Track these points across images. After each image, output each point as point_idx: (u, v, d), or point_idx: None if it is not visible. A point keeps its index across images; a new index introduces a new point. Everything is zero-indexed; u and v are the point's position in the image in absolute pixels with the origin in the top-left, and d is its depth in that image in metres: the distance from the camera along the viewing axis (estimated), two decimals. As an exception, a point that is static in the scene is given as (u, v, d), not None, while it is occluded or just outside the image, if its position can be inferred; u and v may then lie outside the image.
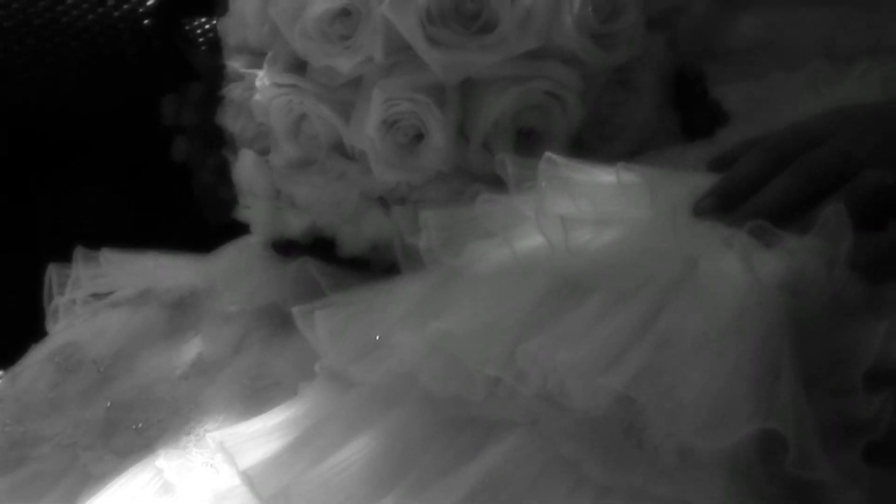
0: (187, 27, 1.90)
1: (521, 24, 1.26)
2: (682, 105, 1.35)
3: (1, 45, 2.05)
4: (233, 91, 1.35)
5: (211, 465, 1.28)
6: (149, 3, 1.95)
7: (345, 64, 1.28)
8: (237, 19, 1.36)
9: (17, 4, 2.09)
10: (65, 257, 1.46)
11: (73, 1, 2.06)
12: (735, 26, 1.45)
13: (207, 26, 1.84)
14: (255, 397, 1.34)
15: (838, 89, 1.39)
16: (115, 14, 2.03)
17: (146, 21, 1.98)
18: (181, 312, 1.42)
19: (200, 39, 1.83)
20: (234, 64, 1.35)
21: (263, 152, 1.34)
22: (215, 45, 1.37)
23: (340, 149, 1.31)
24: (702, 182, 1.22)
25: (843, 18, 1.45)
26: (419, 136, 1.28)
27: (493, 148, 1.27)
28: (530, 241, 1.19)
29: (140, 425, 1.34)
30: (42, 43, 2.01)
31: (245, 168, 1.35)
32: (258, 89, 1.32)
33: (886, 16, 1.46)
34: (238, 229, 1.42)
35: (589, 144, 1.30)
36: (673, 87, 1.34)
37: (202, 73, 1.37)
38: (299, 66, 1.31)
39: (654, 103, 1.33)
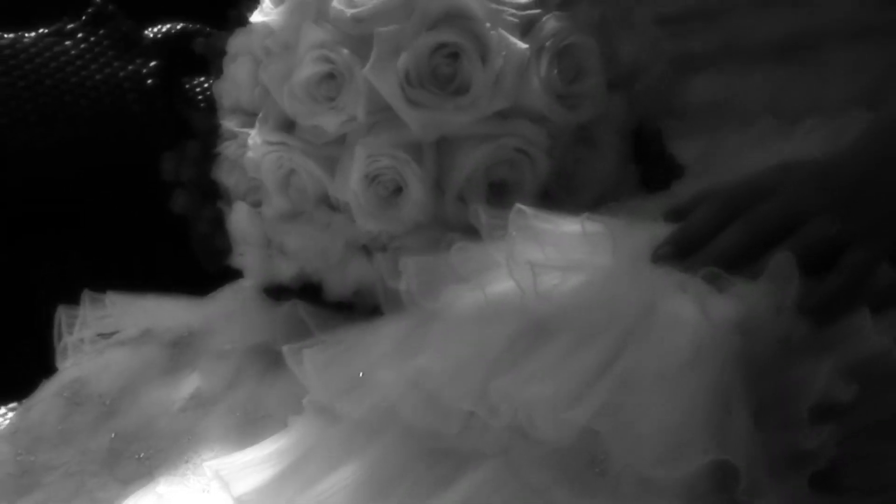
0: (187, 86, 1.90)
1: (492, 86, 1.27)
2: (640, 160, 1.35)
3: (17, 103, 2.04)
4: (227, 148, 1.35)
5: (207, 491, 1.27)
6: (152, 64, 1.95)
7: (330, 123, 1.28)
8: (231, 82, 1.36)
9: (30, 66, 2.09)
10: (73, 299, 1.44)
11: (82, 62, 2.06)
12: (689, 87, 1.45)
13: (206, 85, 1.84)
14: (248, 429, 1.33)
15: (785, 145, 1.38)
16: (121, 74, 2.03)
17: (150, 81, 1.98)
18: (180, 351, 1.41)
19: (199, 98, 1.82)
20: (229, 123, 1.35)
21: (256, 204, 1.34)
22: (212, 104, 1.37)
23: (326, 201, 1.31)
24: (659, 232, 1.23)
25: (788, 79, 1.45)
26: (399, 190, 1.28)
27: (467, 200, 1.28)
28: (502, 285, 1.19)
29: (142, 455, 1.34)
30: (54, 101, 2.01)
31: (239, 219, 1.35)
32: (250, 147, 1.32)
33: (829, 75, 1.46)
34: (233, 274, 1.42)
35: (555, 196, 1.30)
36: (632, 144, 1.34)
37: (199, 132, 1.37)
38: (288, 126, 1.31)
39: (615, 158, 1.33)
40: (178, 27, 2.04)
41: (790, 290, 1.14)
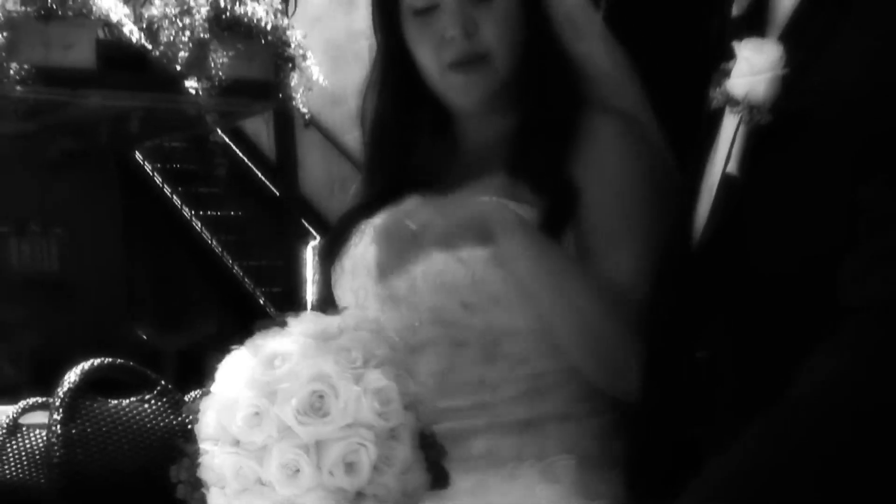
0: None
1: (342, 411, 1.28)
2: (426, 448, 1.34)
3: (117, 438, 2.10)
4: (206, 459, 1.34)
5: None
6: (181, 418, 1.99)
7: (258, 438, 1.30)
8: (204, 422, 1.33)
9: (126, 418, 2.14)
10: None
11: (153, 416, 2.11)
12: (472, 445, 1.48)
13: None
14: None
15: (519, 471, 1.44)
16: (174, 422, 2.07)
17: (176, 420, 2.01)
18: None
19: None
20: (204, 445, 1.34)
21: (222, 487, 1.33)
22: (194, 435, 1.36)
23: (260, 481, 1.31)
24: None
25: (527, 441, 1.47)
26: (298, 470, 1.28)
27: (334, 473, 1.28)
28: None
29: None
30: (136, 437, 2.04)
31: (213, 495, 1.34)
32: (217, 455, 1.32)
33: (549, 441, 1.47)
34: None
35: (381, 471, 1.29)
36: (420, 442, 1.33)
37: (189, 454, 1.37)
38: (236, 442, 1.32)
39: (412, 446, 1.32)
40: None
41: None
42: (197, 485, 1.33)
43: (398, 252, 1.34)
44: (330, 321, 1.32)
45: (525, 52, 1.48)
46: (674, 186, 1.37)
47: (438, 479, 1.34)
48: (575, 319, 1.37)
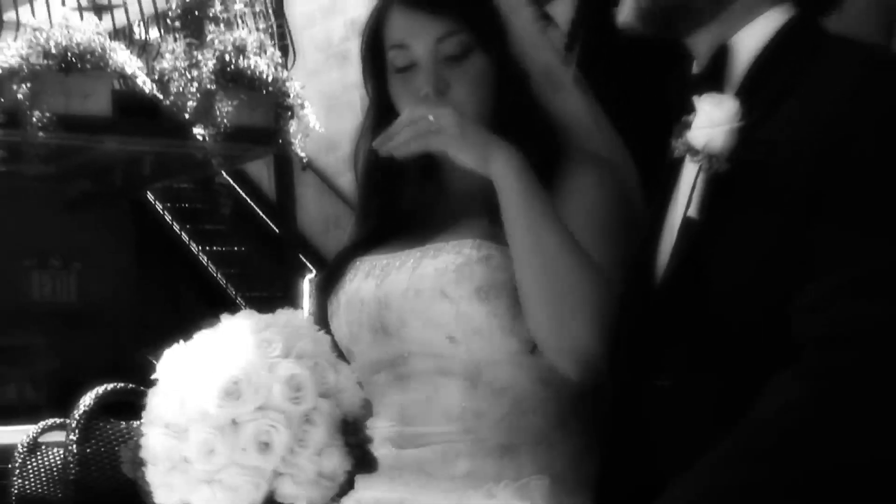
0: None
1: (253, 395, 1.30)
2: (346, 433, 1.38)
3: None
4: (146, 440, 1.38)
5: None
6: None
7: (181, 419, 1.33)
8: (149, 411, 1.39)
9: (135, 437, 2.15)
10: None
11: None
12: (457, 464, 1.49)
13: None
14: None
15: (494, 491, 1.45)
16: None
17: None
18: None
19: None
20: (147, 429, 1.38)
21: (156, 465, 1.37)
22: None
23: (185, 460, 1.33)
24: None
25: (506, 465, 1.49)
26: (213, 448, 1.30)
27: (247, 451, 1.30)
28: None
29: None
30: None
31: (154, 472, 1.37)
32: (154, 436, 1.36)
33: (524, 462, 1.48)
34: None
35: (295, 452, 1.33)
36: (342, 428, 1.37)
37: (133, 437, 1.40)
38: (167, 424, 1.35)
39: (328, 431, 1.34)
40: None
41: None
42: (140, 463, 1.37)
43: (407, 137, 1.36)
44: (261, 318, 1.37)
45: (501, 106, 1.50)
46: (644, 223, 1.39)
47: (363, 463, 1.37)
48: (543, 263, 1.36)
